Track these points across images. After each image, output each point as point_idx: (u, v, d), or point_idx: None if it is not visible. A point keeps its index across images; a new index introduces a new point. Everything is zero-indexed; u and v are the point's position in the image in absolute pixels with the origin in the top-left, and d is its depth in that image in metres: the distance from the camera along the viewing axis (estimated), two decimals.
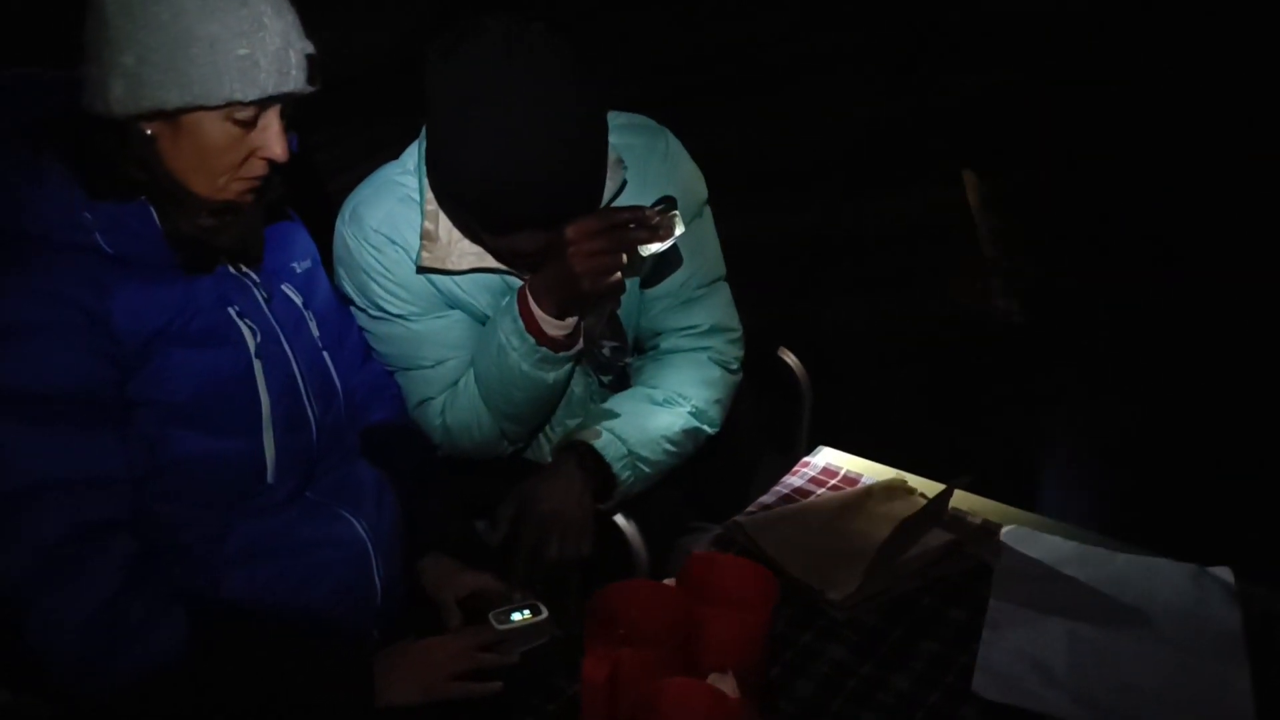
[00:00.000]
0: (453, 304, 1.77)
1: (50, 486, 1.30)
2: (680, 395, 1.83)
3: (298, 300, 1.59)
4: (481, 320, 1.78)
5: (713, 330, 1.88)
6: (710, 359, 1.87)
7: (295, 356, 1.54)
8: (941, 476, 1.67)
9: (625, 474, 1.73)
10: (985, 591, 1.50)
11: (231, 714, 1.38)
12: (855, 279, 4.11)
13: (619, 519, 1.76)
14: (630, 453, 1.73)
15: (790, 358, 2.17)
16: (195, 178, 1.39)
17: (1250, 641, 1.42)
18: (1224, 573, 1.53)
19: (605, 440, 1.72)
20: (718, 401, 1.87)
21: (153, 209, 1.39)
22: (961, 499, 1.68)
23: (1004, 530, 1.61)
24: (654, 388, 1.83)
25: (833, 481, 1.76)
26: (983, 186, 1.48)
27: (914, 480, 1.73)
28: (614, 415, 1.77)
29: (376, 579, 1.57)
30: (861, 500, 1.67)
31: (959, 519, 1.63)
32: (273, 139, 1.39)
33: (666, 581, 1.32)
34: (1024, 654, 1.39)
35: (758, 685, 1.28)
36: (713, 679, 1.18)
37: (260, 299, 1.52)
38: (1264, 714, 1.31)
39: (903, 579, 1.51)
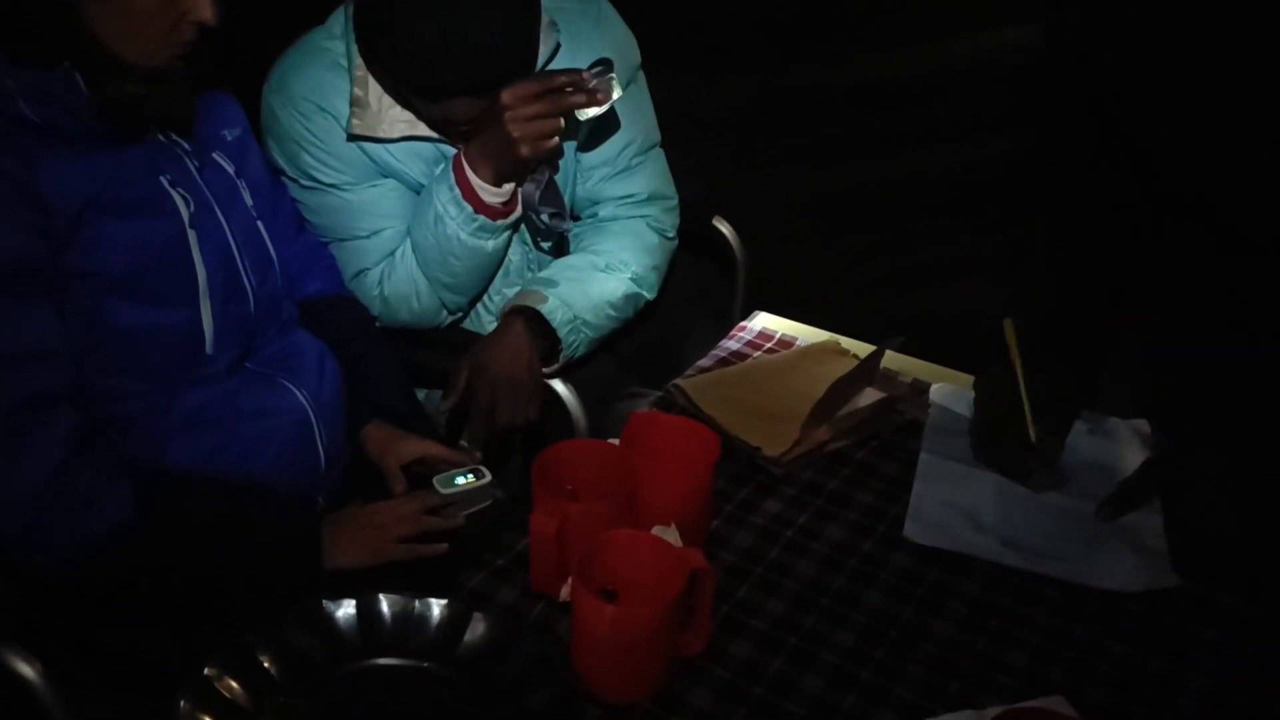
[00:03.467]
0: (386, 172, 1.75)
1: None
2: (621, 262, 1.84)
3: (230, 169, 1.57)
4: (416, 189, 1.77)
5: (651, 199, 1.89)
6: (649, 226, 1.89)
7: (230, 226, 1.53)
8: (873, 339, 1.71)
9: (571, 338, 1.75)
10: (916, 446, 1.55)
11: (181, 580, 1.40)
12: (794, 148, 4.12)
13: (558, 385, 1.79)
14: (576, 317, 1.75)
15: (725, 226, 2.18)
16: (124, 44, 1.35)
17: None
18: (1141, 424, 1.60)
19: (552, 305, 1.73)
20: (655, 268, 1.89)
21: (80, 76, 1.35)
22: (893, 359, 1.72)
23: (933, 388, 1.66)
24: (596, 254, 1.84)
25: (768, 345, 1.79)
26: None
27: (847, 342, 1.76)
28: (559, 282, 1.78)
29: (319, 447, 1.58)
30: (796, 361, 1.70)
31: (890, 378, 1.67)
32: (202, 2, 1.36)
33: (610, 441, 1.35)
34: (953, 504, 1.44)
35: (699, 537, 1.32)
36: (656, 531, 1.22)
37: (192, 168, 1.50)
38: (1176, 553, 1.38)
39: (837, 435, 1.55)
